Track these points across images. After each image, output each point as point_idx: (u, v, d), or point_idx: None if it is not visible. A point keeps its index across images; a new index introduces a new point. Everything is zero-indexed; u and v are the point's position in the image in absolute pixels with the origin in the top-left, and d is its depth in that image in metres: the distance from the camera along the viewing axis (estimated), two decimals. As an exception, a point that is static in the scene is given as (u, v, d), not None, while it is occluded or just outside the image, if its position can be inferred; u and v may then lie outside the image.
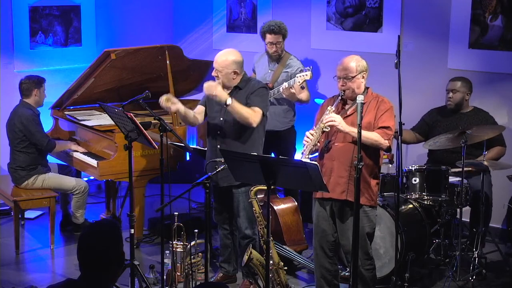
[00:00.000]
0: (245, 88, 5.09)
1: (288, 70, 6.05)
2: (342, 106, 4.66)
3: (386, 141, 4.54)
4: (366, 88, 4.65)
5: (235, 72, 5.03)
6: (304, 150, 4.51)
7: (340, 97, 4.60)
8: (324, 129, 4.51)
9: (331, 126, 4.49)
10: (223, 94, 4.89)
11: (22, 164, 6.14)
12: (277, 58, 6.16)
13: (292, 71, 6.00)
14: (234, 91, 5.10)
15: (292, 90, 5.65)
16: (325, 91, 6.97)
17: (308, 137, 4.53)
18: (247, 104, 5.01)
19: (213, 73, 5.07)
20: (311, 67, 5.76)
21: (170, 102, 4.97)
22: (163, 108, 5.01)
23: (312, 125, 4.78)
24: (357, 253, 4.38)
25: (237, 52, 5.11)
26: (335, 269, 4.84)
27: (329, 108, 4.55)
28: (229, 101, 4.87)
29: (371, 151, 4.54)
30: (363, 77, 4.59)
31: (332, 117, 4.47)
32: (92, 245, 2.87)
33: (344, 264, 5.31)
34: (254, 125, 4.99)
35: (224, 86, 5.06)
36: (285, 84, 5.68)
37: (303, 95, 5.89)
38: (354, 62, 4.56)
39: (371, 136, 4.48)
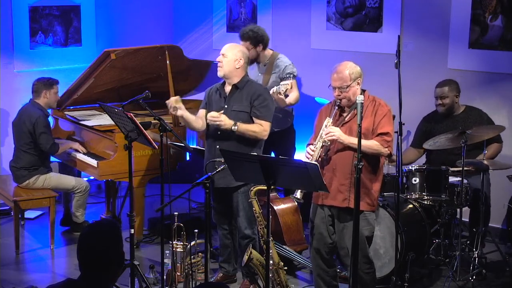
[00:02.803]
0: (245, 89, 5.09)
1: (276, 71, 6.03)
2: (340, 114, 4.64)
3: (386, 149, 4.53)
4: (363, 91, 4.63)
5: (239, 60, 5.05)
6: None
7: (337, 106, 4.59)
8: (324, 144, 4.51)
9: (332, 141, 4.49)
10: (227, 122, 4.96)
11: (26, 165, 6.15)
12: (251, 62, 6.03)
13: (280, 71, 5.98)
14: (235, 92, 5.11)
15: (281, 96, 5.62)
16: (325, 91, 6.93)
17: (309, 153, 4.53)
18: (253, 113, 5.04)
19: (217, 59, 5.11)
20: (291, 75, 5.72)
21: (179, 103, 5.06)
22: (168, 106, 5.09)
23: (310, 126, 4.79)
24: (357, 256, 4.37)
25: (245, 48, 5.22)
26: (333, 270, 4.84)
27: (327, 119, 4.54)
28: (234, 127, 4.95)
29: (371, 156, 4.53)
30: (358, 83, 4.57)
31: (331, 132, 4.46)
32: (92, 245, 2.87)
33: (343, 264, 5.31)
34: (265, 138, 5.09)
35: (226, 76, 5.10)
36: (274, 89, 5.63)
37: (291, 98, 5.86)
38: (348, 70, 4.53)
39: (370, 145, 4.47)
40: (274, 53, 6.15)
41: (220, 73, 5.12)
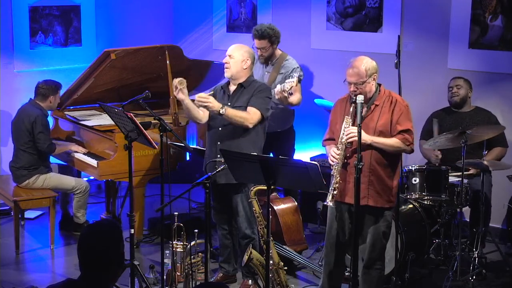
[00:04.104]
0: (249, 88, 5.10)
1: (283, 72, 6.02)
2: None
3: (409, 146, 4.50)
4: (378, 85, 4.58)
5: (246, 61, 5.05)
6: (333, 172, 4.44)
7: (352, 102, 4.50)
8: (347, 145, 4.45)
9: (354, 141, 4.38)
10: (216, 104, 4.92)
11: (25, 164, 6.14)
12: (264, 61, 6.08)
13: (287, 72, 5.97)
14: (239, 90, 5.11)
15: (285, 94, 5.63)
16: (325, 91, 6.97)
17: (334, 157, 4.47)
18: (248, 105, 5.03)
19: (224, 60, 5.09)
20: (296, 75, 5.73)
21: (182, 85, 4.99)
22: (173, 87, 5.03)
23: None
24: (357, 254, 4.38)
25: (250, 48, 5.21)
26: (341, 270, 4.85)
27: (346, 118, 4.46)
28: (222, 110, 4.90)
29: (390, 153, 4.50)
30: (373, 79, 4.51)
31: (352, 133, 4.37)
32: (92, 245, 2.86)
33: (345, 265, 5.30)
34: (250, 126, 5.01)
35: (233, 77, 5.11)
36: (278, 87, 5.65)
37: (294, 99, 5.86)
38: (364, 66, 4.46)
39: (392, 143, 4.45)
40: (283, 53, 6.13)
41: (227, 74, 5.11)
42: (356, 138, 4.33)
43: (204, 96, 4.93)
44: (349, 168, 4.56)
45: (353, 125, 4.44)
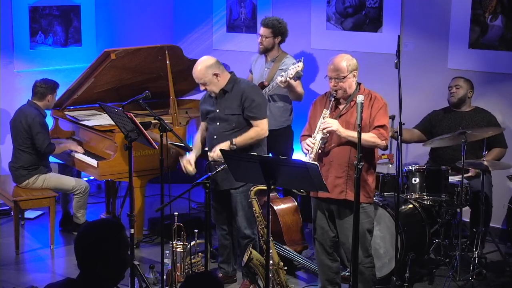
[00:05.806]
0: (233, 92, 5.08)
1: (283, 68, 6.06)
2: (336, 106, 4.67)
3: (383, 141, 4.56)
4: (358, 84, 4.66)
5: (214, 74, 5.04)
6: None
7: (332, 97, 4.61)
8: (323, 136, 4.53)
9: (329, 132, 4.52)
10: (224, 145, 4.97)
11: (25, 164, 6.14)
12: (262, 51, 6.17)
13: (287, 69, 6.00)
14: (223, 97, 5.10)
15: (291, 82, 5.68)
16: (325, 91, 6.95)
17: (309, 145, 4.55)
18: (247, 116, 5.04)
19: (201, 88, 5.11)
20: (302, 58, 5.77)
21: (189, 163, 5.23)
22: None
23: (305, 123, 4.81)
24: (357, 253, 4.39)
25: (206, 57, 5.16)
26: (336, 266, 4.87)
27: (324, 111, 4.56)
28: (232, 146, 4.98)
29: (365, 148, 4.55)
30: (354, 75, 4.61)
31: (329, 123, 4.50)
32: (90, 243, 2.85)
33: (344, 264, 5.31)
34: (266, 135, 5.11)
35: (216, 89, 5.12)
36: (280, 77, 5.70)
37: (299, 88, 5.91)
38: (345, 62, 4.58)
39: (367, 138, 4.49)
40: (283, 52, 6.23)
41: (212, 94, 5.14)
42: (331, 128, 4.48)
43: (217, 155, 4.95)
44: (326, 161, 4.63)
45: (331, 118, 4.55)
